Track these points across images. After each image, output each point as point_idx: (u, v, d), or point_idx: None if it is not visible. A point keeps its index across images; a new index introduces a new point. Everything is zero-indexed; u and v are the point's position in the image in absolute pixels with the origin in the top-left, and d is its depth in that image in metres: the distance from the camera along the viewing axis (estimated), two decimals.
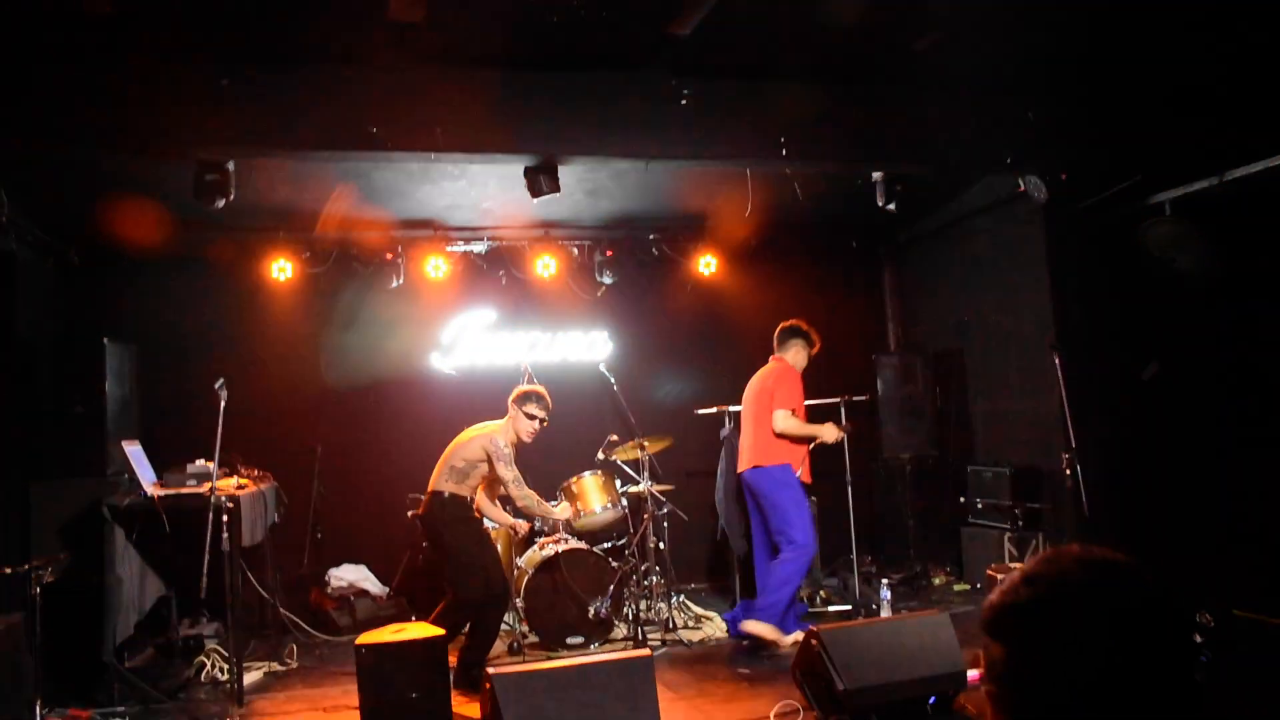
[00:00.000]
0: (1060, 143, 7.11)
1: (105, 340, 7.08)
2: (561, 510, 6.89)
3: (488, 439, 6.23)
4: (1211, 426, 7.16)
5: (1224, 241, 6.83)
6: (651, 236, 9.00)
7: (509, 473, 6.21)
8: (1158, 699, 1.18)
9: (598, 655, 4.88)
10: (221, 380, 6.08)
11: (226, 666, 6.33)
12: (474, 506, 6.32)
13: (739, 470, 6.98)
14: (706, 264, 9.05)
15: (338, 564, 8.08)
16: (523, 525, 7.04)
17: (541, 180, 6.18)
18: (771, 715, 5.02)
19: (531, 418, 6.33)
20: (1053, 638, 1.21)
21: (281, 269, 8.14)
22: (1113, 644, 1.19)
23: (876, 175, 6.97)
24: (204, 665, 6.65)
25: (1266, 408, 6.79)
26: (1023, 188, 7.32)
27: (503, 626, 7.22)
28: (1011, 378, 8.39)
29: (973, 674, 5.05)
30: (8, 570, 5.80)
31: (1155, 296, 7.48)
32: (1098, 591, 1.23)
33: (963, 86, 6.66)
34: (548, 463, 8.05)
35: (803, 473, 6.79)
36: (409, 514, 6.65)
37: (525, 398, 6.36)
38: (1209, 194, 6.98)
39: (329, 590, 7.87)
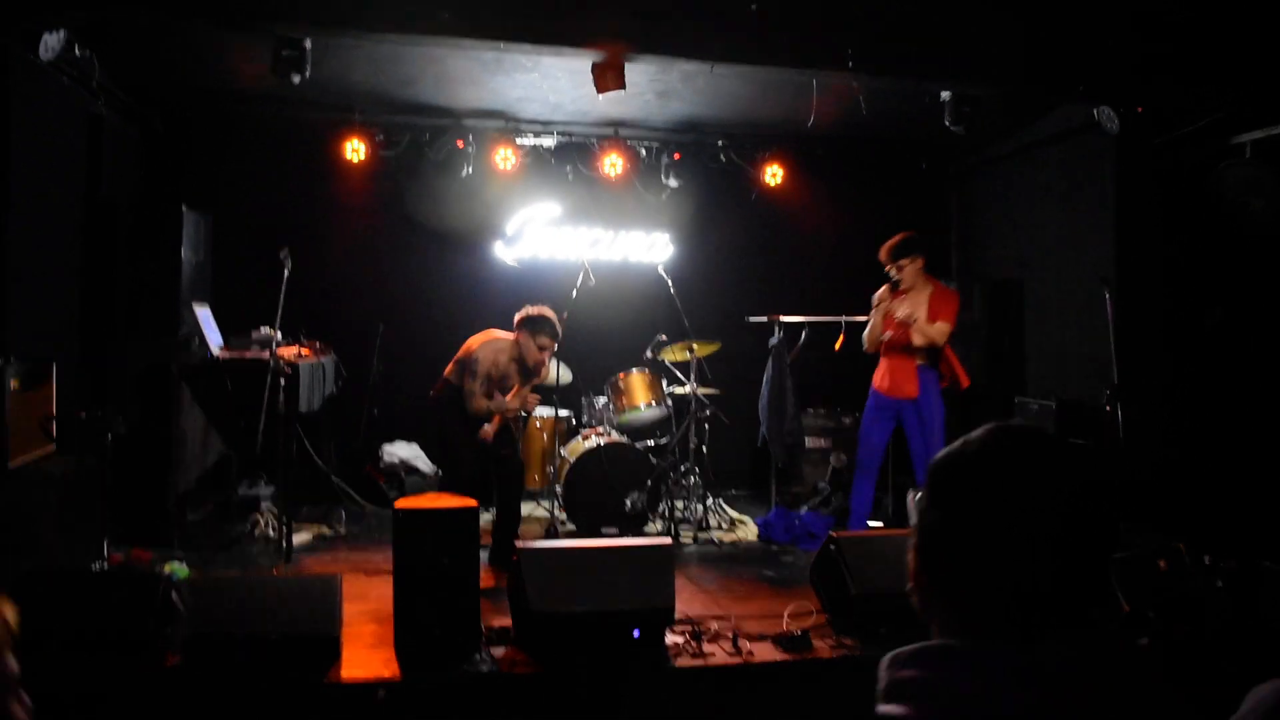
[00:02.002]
0: (1138, 75, 6.93)
1: (183, 207, 7.35)
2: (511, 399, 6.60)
3: (480, 349, 6.37)
4: (1268, 381, 7.08)
5: None
6: (719, 143, 9.02)
7: (473, 385, 6.28)
8: (1070, 575, 1.25)
9: (622, 540, 5.08)
10: (285, 249, 6.31)
11: (278, 525, 6.66)
12: (471, 399, 6.32)
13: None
14: (773, 174, 9.04)
15: (391, 441, 8.39)
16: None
17: (608, 76, 6.22)
18: (785, 614, 5.19)
19: (543, 349, 6.41)
20: (982, 503, 1.28)
21: (355, 149, 8.31)
22: (1040, 517, 1.25)
23: (945, 94, 6.89)
24: (257, 523, 7.02)
25: None
26: (1096, 118, 7.19)
27: (540, 512, 7.52)
28: (1069, 312, 8.33)
29: None
30: (82, 415, 6.17)
31: (1225, 242, 7.36)
32: (1033, 465, 1.30)
33: (1040, 8, 6.52)
34: (597, 357, 8.28)
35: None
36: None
37: (538, 328, 6.36)
38: None
39: (381, 465, 8.19)
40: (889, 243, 6.69)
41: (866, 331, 6.81)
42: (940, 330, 6.55)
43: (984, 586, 1.27)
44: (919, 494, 1.39)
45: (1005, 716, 1.17)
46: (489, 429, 6.38)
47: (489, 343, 6.42)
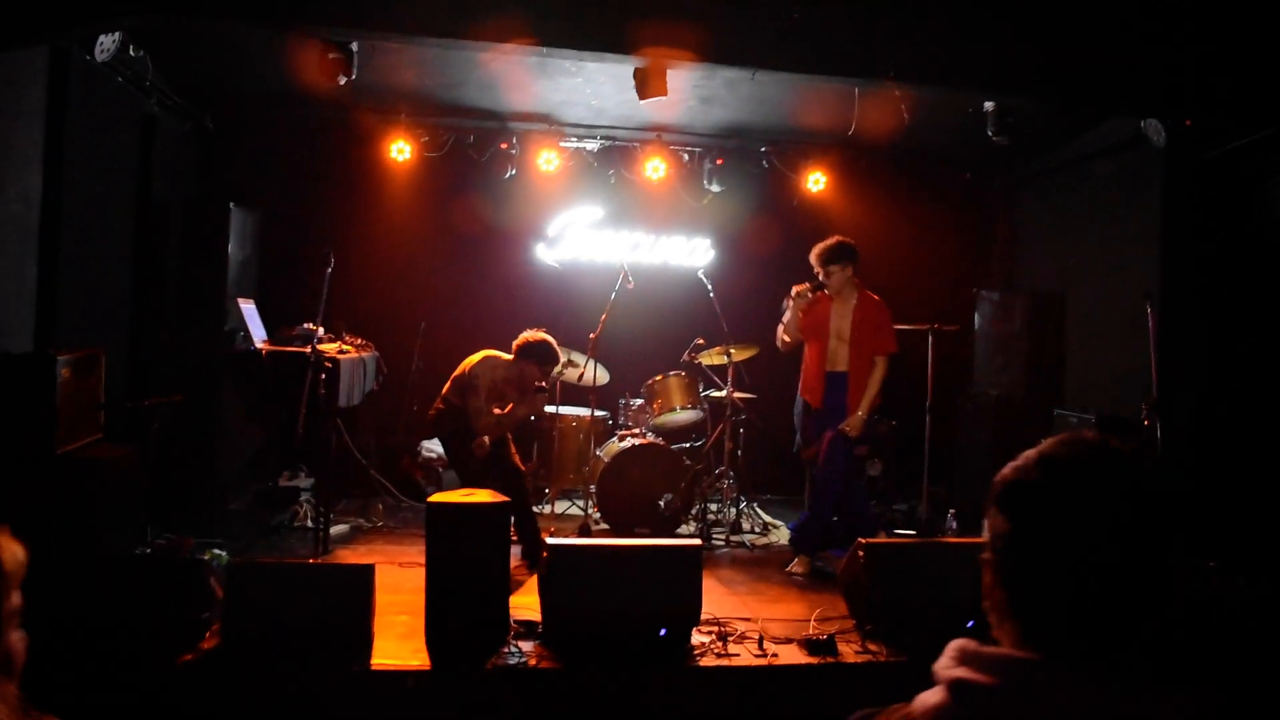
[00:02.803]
0: (1186, 88, 6.87)
1: (231, 205, 7.51)
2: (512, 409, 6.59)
3: (479, 367, 6.42)
4: None
5: None
6: (762, 149, 9.06)
7: (478, 402, 6.33)
8: (1139, 589, 1.25)
9: (651, 540, 5.13)
10: (328, 248, 6.44)
11: (316, 515, 6.78)
12: (478, 417, 6.36)
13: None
14: (815, 180, 9.06)
15: (430, 437, 8.49)
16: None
17: (651, 82, 6.28)
18: (812, 619, 5.22)
19: (546, 375, 6.52)
20: (1053, 518, 1.27)
21: (400, 150, 8.44)
22: (1110, 532, 1.24)
23: (989, 105, 6.88)
24: (296, 513, 7.16)
25: None
26: (1143, 131, 7.14)
27: (575, 511, 7.59)
28: (1111, 327, 8.25)
29: None
30: (129, 404, 6.33)
31: (1272, 260, 7.27)
32: (1104, 480, 1.28)
33: (1085, 19, 6.48)
34: (635, 359, 8.34)
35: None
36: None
37: (540, 358, 6.41)
38: None
39: (419, 460, 8.30)
40: (822, 245, 6.61)
41: (781, 332, 6.77)
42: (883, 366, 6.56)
43: (1055, 598, 1.27)
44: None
45: None
46: (485, 442, 6.35)
47: (487, 362, 6.48)
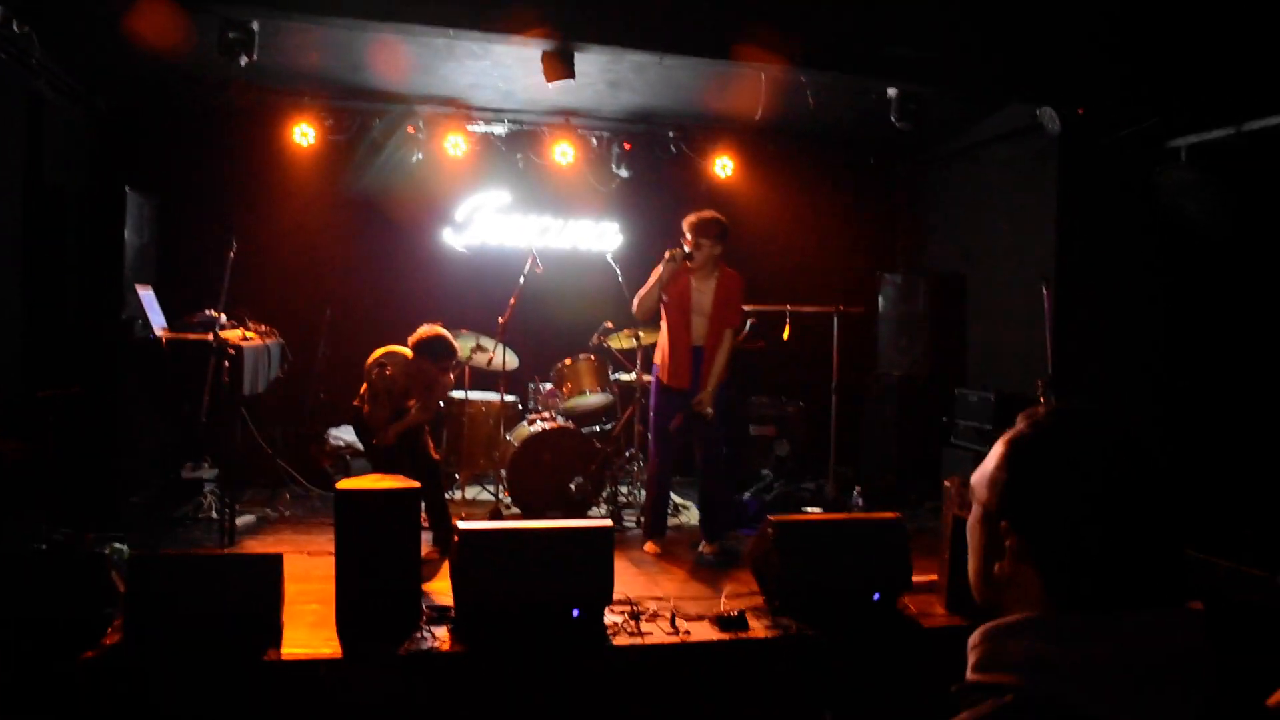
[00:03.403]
0: (1079, 77, 7.10)
1: (127, 189, 7.30)
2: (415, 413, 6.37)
3: (370, 368, 6.25)
4: (1203, 378, 7.29)
5: (1236, 193, 6.87)
6: (670, 134, 9.10)
7: (372, 407, 6.19)
8: (1144, 534, 1.28)
9: (562, 522, 5.15)
10: (229, 233, 6.30)
11: (221, 507, 6.65)
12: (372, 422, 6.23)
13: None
14: (723, 165, 9.14)
15: (337, 425, 8.39)
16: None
17: (557, 65, 6.27)
18: (723, 596, 5.29)
19: (445, 371, 6.29)
20: (1071, 468, 1.30)
21: (304, 133, 8.29)
22: (1103, 478, 1.28)
23: (892, 92, 7.02)
24: (201, 505, 7.01)
25: (1260, 365, 6.90)
26: (1038, 119, 7.35)
27: (485, 496, 7.58)
28: (1009, 307, 8.50)
29: (920, 578, 5.32)
30: (23, 397, 6.14)
31: (1162, 242, 7.56)
32: (1090, 433, 1.33)
33: (984, 9, 6.66)
34: (544, 344, 8.35)
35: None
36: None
37: (437, 354, 6.20)
38: (1226, 143, 7.00)
39: (326, 448, 8.19)
40: (697, 216, 6.47)
41: (643, 296, 6.55)
42: (731, 340, 6.56)
43: (1076, 560, 1.30)
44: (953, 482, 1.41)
45: (1108, 682, 1.21)
46: (389, 435, 6.18)
47: (379, 360, 6.24)
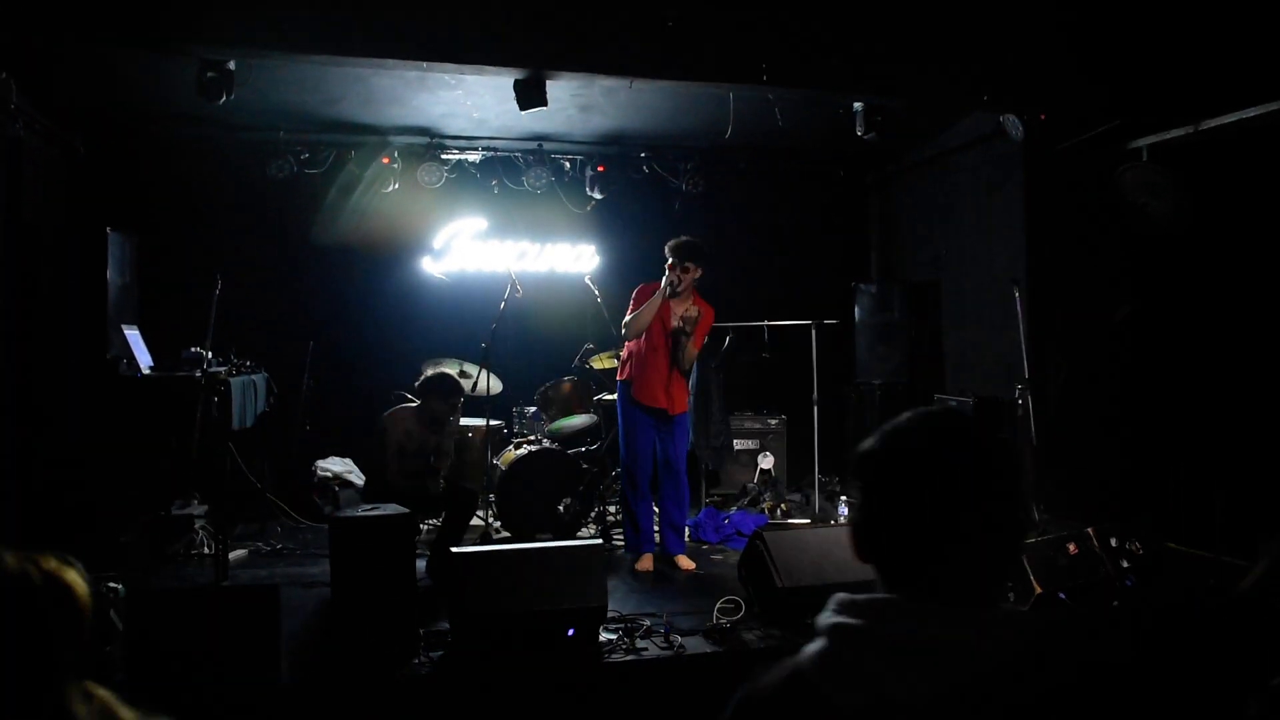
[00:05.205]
0: (1040, 84, 7.27)
1: (108, 229, 7.35)
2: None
3: (386, 425, 6.40)
4: (1173, 373, 7.44)
5: (1196, 190, 7.03)
6: (642, 154, 9.23)
7: (388, 461, 6.35)
8: (974, 526, 1.38)
9: (554, 543, 5.22)
10: (216, 271, 6.37)
11: (213, 542, 6.68)
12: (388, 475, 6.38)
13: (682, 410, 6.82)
14: (695, 184, 9.26)
15: (325, 456, 8.43)
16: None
17: (529, 93, 6.39)
18: (715, 609, 5.37)
19: (454, 407, 6.47)
20: (891, 474, 1.43)
21: (280, 168, 8.37)
22: (942, 479, 1.39)
23: (858, 105, 7.16)
24: (192, 541, 7.03)
25: (1228, 356, 7.04)
26: (1002, 126, 7.50)
27: (475, 520, 7.62)
28: (984, 312, 8.64)
29: None
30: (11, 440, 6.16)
31: (1128, 241, 7.71)
32: (934, 436, 1.43)
33: (944, 21, 6.82)
34: (526, 367, 8.45)
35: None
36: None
37: (438, 391, 6.37)
38: (1184, 142, 7.16)
39: (315, 480, 8.23)
40: (686, 241, 6.56)
41: (639, 320, 6.59)
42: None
43: (912, 561, 1.41)
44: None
45: (934, 669, 1.32)
46: (442, 469, 6.39)
47: (393, 417, 6.45)
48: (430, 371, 6.53)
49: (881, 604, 1.39)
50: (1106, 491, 7.23)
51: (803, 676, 1.37)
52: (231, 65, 6.04)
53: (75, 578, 1.75)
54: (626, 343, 6.75)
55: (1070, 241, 7.94)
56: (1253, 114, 6.51)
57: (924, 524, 1.39)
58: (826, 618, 1.42)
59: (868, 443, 1.49)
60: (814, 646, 1.40)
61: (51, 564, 1.74)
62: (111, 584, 5.52)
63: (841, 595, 1.43)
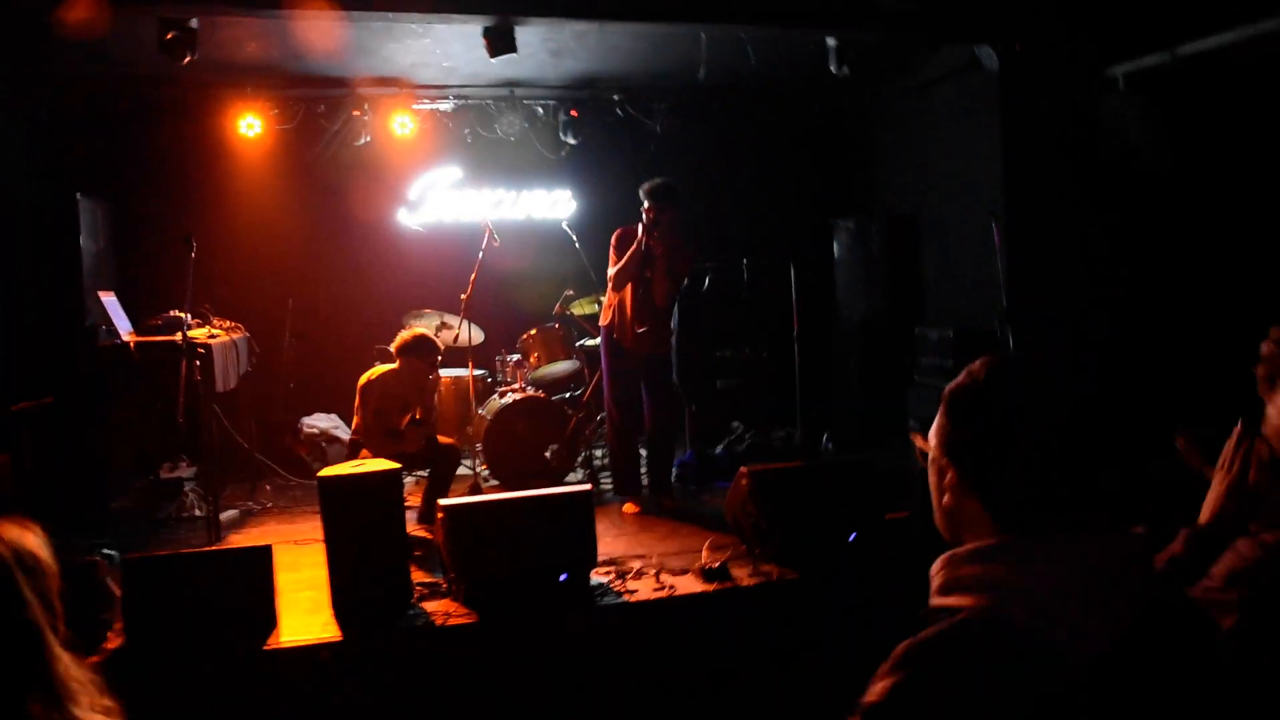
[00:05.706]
0: (1012, 13, 7.21)
1: (78, 196, 7.28)
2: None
3: (366, 388, 6.27)
4: (1151, 305, 7.47)
5: (1173, 119, 7.01)
6: (615, 97, 9.15)
7: (368, 422, 6.24)
8: (1067, 467, 1.42)
9: (542, 490, 5.26)
10: (190, 233, 6.32)
11: (204, 504, 6.72)
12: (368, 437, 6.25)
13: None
14: (670, 125, 9.20)
15: (310, 413, 8.44)
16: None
17: (498, 40, 6.32)
18: (704, 549, 5.44)
19: (432, 366, 6.41)
20: (1006, 411, 1.46)
21: (250, 125, 8.28)
22: (1024, 418, 1.43)
23: (831, 41, 7.11)
24: (183, 504, 7.07)
25: (1204, 287, 7.08)
26: (977, 57, 7.46)
27: (464, 471, 7.66)
28: (962, 244, 8.64)
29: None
30: None
31: (1107, 170, 7.70)
32: (1015, 378, 1.48)
33: None
34: (507, 316, 8.44)
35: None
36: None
37: (419, 352, 6.31)
38: (1161, 69, 7.12)
39: (302, 437, 8.25)
40: (657, 183, 6.51)
41: (624, 270, 6.64)
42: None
43: (1011, 492, 1.44)
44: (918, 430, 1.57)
45: (1047, 601, 1.35)
46: (416, 437, 6.31)
47: (370, 382, 6.30)
48: (407, 333, 6.44)
49: (992, 549, 1.42)
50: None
51: (969, 622, 1.38)
52: (194, 23, 5.95)
53: (36, 541, 1.75)
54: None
55: (1049, 172, 7.90)
56: (1230, 38, 6.46)
57: (1014, 454, 1.42)
58: (939, 577, 1.44)
59: (970, 378, 1.51)
60: (961, 600, 1.41)
61: (13, 532, 1.75)
62: (106, 550, 5.57)
63: (947, 554, 1.46)
